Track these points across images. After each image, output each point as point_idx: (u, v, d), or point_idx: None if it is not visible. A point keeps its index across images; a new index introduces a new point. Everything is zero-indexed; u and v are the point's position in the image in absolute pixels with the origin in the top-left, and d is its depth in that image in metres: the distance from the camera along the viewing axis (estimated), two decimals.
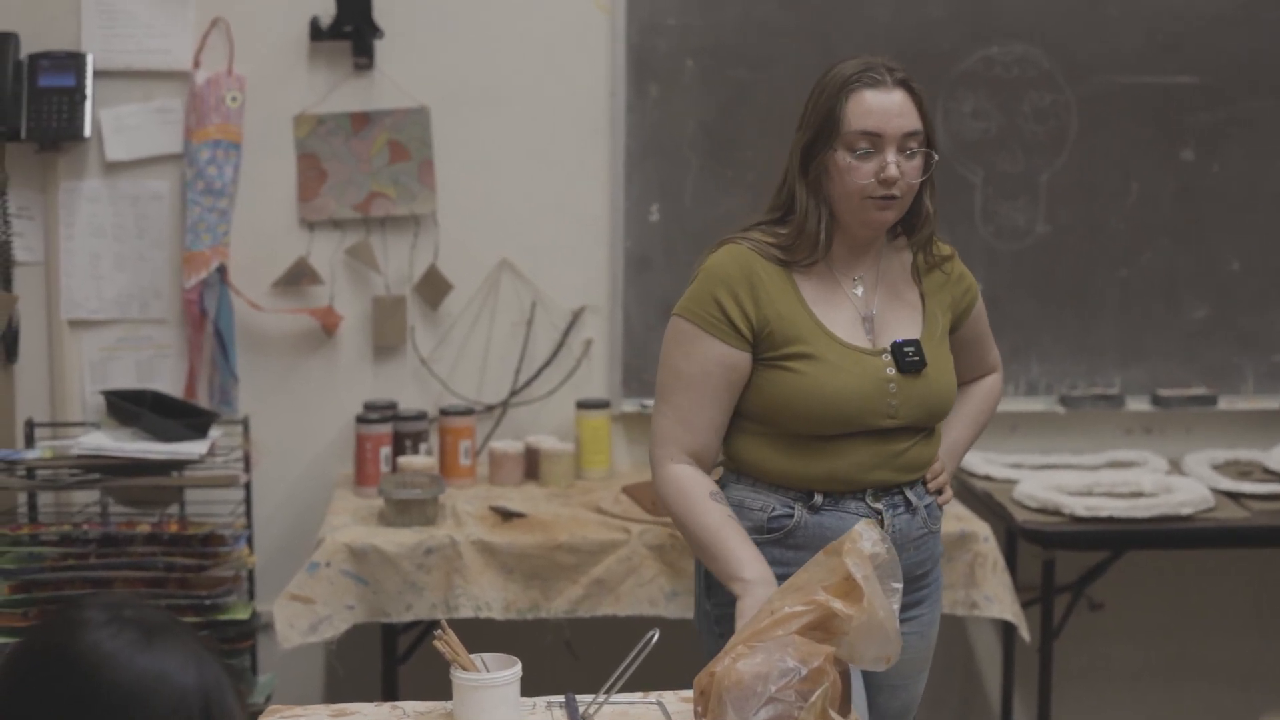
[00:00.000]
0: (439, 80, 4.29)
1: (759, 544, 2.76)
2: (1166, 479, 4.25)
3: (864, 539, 2.40)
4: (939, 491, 2.96)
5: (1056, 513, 4.04)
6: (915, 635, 2.90)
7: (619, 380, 4.38)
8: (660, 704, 2.58)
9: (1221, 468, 4.45)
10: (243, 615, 3.80)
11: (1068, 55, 4.46)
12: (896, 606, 2.40)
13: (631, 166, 4.34)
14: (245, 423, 4.19)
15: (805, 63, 4.37)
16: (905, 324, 2.88)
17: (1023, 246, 4.52)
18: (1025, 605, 4.04)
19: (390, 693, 3.87)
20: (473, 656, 2.48)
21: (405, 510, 3.80)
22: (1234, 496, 4.21)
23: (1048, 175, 4.50)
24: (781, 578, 2.65)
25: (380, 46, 4.25)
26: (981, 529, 3.91)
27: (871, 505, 2.83)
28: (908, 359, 2.82)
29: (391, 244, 4.32)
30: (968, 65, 4.44)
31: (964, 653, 4.66)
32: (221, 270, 4.22)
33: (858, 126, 2.75)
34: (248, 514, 4.17)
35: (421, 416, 4.20)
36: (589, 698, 2.56)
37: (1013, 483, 4.25)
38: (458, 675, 2.44)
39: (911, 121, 2.76)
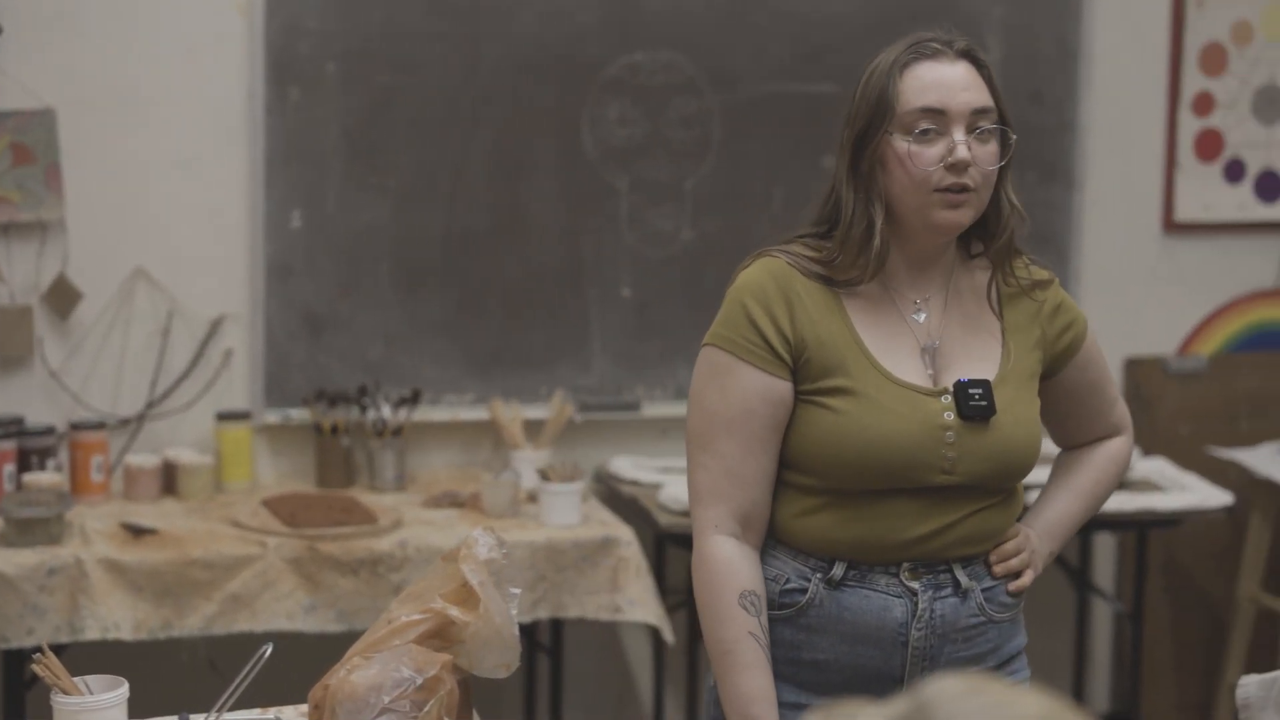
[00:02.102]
0: (67, 81, 4.13)
1: (770, 620, 2.37)
2: None
3: (480, 545, 2.37)
4: (1009, 575, 2.43)
5: None
6: None
7: (261, 390, 4.28)
8: (278, 719, 2.51)
9: None
10: None
11: (713, 63, 4.51)
12: (515, 612, 2.38)
13: (272, 172, 4.24)
14: None
15: (451, 68, 4.35)
16: (977, 360, 2.40)
17: (670, 253, 4.55)
18: (672, 609, 4.06)
19: None
20: (77, 679, 2.38)
21: (27, 530, 3.65)
22: None
23: (693, 182, 4.54)
24: (792, 663, 2.40)
25: (1, 44, 4.07)
26: (625, 533, 3.92)
27: (906, 583, 2.35)
28: (972, 403, 2.33)
29: (16, 251, 4.14)
30: (614, 71, 4.45)
31: (616, 656, 4.67)
32: None
33: (917, 104, 2.32)
34: None
35: (50, 431, 4.04)
36: (201, 716, 2.47)
37: (659, 486, 4.27)
38: (58, 700, 2.34)
39: (980, 96, 2.33)
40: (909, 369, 2.37)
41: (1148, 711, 4.77)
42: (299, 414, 4.27)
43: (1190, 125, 4.82)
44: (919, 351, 2.38)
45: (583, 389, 4.50)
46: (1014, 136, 2.37)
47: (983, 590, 2.40)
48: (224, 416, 4.20)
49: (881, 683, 2.37)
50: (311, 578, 3.72)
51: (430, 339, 4.38)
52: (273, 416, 4.29)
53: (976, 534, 2.38)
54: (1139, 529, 4.43)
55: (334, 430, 4.22)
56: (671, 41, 4.48)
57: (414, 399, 4.26)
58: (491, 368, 4.45)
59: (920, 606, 2.35)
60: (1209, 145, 4.83)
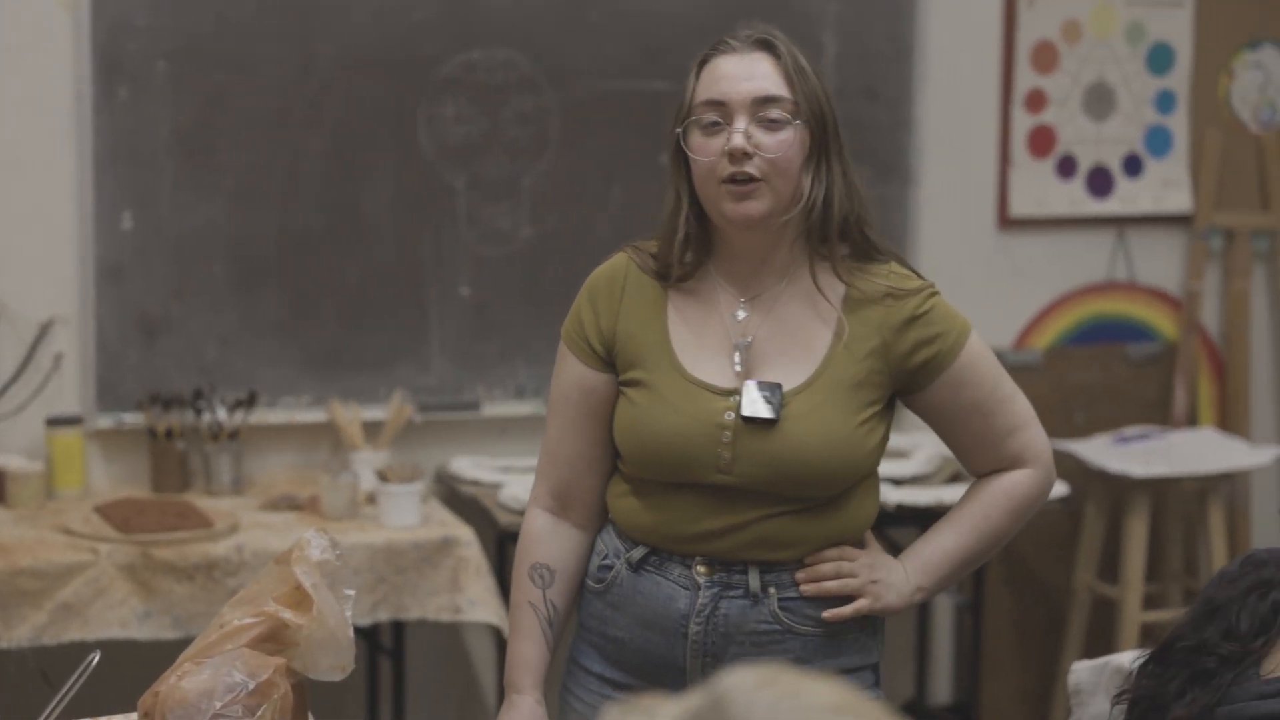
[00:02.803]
0: None
1: (589, 590, 2.47)
2: None
3: (312, 546, 2.34)
4: (827, 595, 2.40)
5: None
6: None
7: (93, 395, 4.19)
8: None
9: None
10: None
11: (551, 60, 4.50)
12: (349, 614, 2.35)
13: (101, 171, 4.16)
14: None
15: (286, 65, 4.30)
16: (792, 363, 2.38)
17: (509, 250, 4.53)
18: None
19: None
20: None
21: None
22: None
23: (531, 179, 4.53)
24: (601, 635, 2.48)
25: None
26: (465, 533, 3.91)
27: (695, 576, 2.39)
28: (752, 405, 2.34)
29: None
30: (450, 69, 4.42)
31: (459, 657, 4.64)
32: None
33: (703, 97, 2.36)
34: None
35: None
36: None
37: (500, 486, 4.25)
38: None
39: (768, 85, 2.35)
40: (711, 367, 2.38)
41: (988, 701, 4.83)
42: (132, 418, 4.19)
43: (1023, 122, 4.88)
44: (730, 349, 2.39)
45: (422, 389, 4.47)
46: (811, 127, 2.36)
47: (781, 599, 2.38)
48: (54, 422, 4.11)
49: (668, 670, 2.42)
50: (145, 584, 3.65)
51: (266, 340, 4.32)
52: (105, 421, 4.21)
53: (772, 539, 2.37)
54: None
55: (169, 434, 4.15)
56: (508, 39, 4.46)
57: (250, 401, 4.20)
58: (329, 369, 4.40)
59: (701, 601, 2.38)
60: (1041, 142, 4.90)
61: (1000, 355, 4.85)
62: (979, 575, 4.55)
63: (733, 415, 2.35)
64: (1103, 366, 5.01)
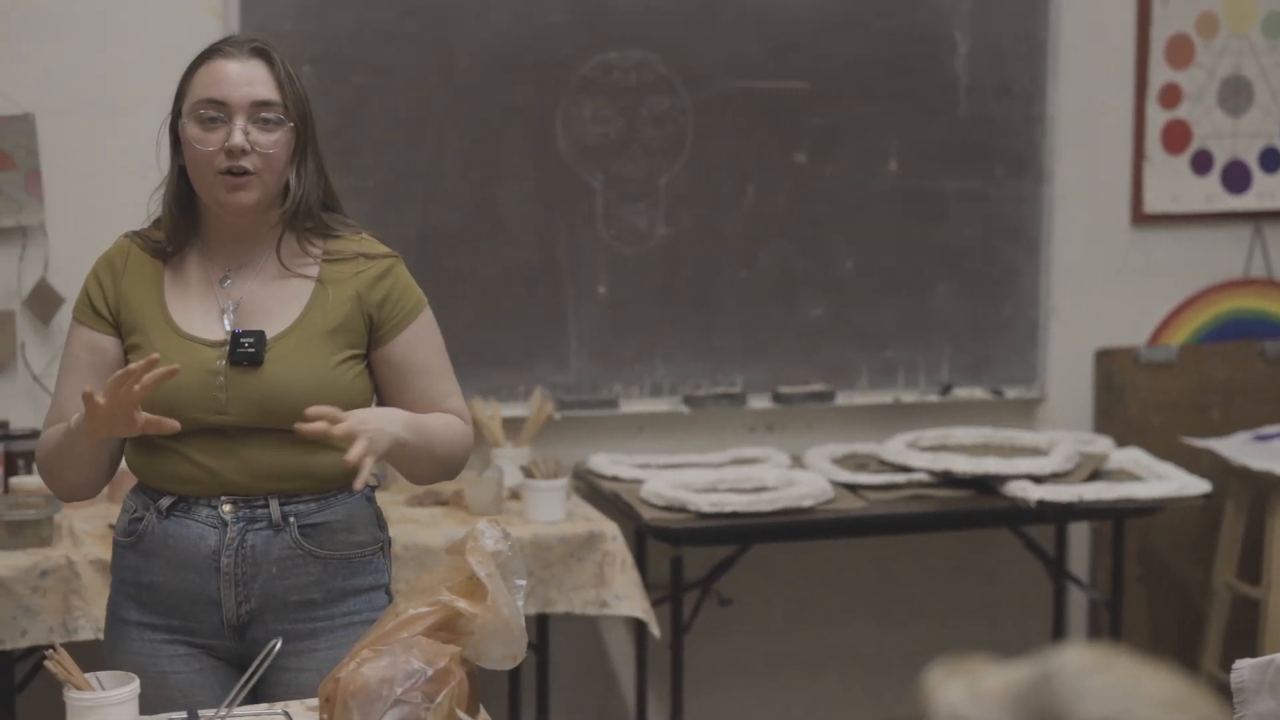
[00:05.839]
0: (45, 86, 4.14)
1: (120, 546, 2.70)
2: (789, 473, 4.35)
3: (486, 537, 2.39)
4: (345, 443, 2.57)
5: (683, 510, 4.10)
6: (312, 673, 2.60)
7: None
8: (286, 714, 2.52)
9: (841, 461, 4.58)
10: None
11: (684, 61, 4.54)
12: (521, 604, 2.40)
13: None
14: None
15: (425, 69, 4.37)
16: (275, 317, 2.69)
17: (644, 250, 4.58)
18: (656, 603, 4.09)
19: None
20: (88, 675, 2.39)
21: (18, 532, 3.65)
22: (852, 488, 4.34)
23: (667, 179, 4.57)
24: (135, 585, 2.69)
25: None
26: (610, 528, 3.95)
27: (222, 515, 2.64)
28: (239, 350, 2.63)
29: None
30: (586, 70, 4.48)
31: (598, 652, 4.69)
32: None
33: (204, 95, 2.64)
34: None
35: (35, 435, 4.03)
36: (210, 713, 2.49)
37: (640, 482, 4.30)
38: (71, 695, 2.35)
39: (265, 90, 2.65)
40: (201, 324, 2.67)
41: None
42: None
43: (1158, 117, 4.87)
44: (219, 312, 2.68)
45: (560, 386, 4.53)
46: (295, 125, 2.66)
47: (301, 526, 2.66)
48: None
49: (204, 605, 2.66)
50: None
51: None
52: None
53: (281, 473, 2.65)
54: (1116, 517, 4.48)
55: None
56: (643, 41, 4.51)
57: None
58: (469, 366, 4.44)
59: (230, 536, 2.64)
60: (1176, 137, 4.89)
61: (1135, 352, 4.89)
62: (1116, 571, 4.55)
63: (223, 362, 2.64)
64: (1239, 363, 4.98)
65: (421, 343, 2.77)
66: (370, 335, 2.74)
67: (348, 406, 2.63)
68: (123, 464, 2.74)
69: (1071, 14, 4.77)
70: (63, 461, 2.66)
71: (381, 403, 2.77)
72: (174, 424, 2.50)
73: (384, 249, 2.78)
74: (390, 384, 2.76)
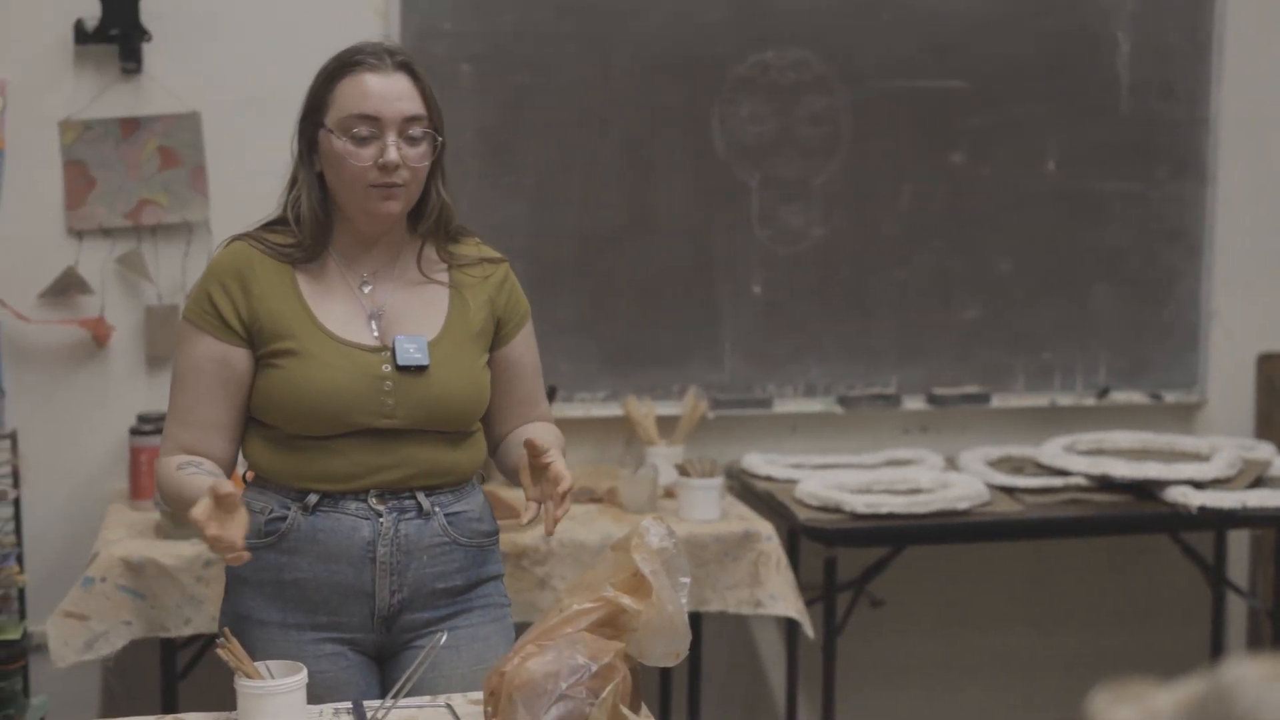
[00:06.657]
0: (210, 85, 4.21)
1: (255, 549, 2.63)
2: (943, 475, 4.32)
3: (651, 534, 2.40)
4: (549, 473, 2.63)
5: (837, 510, 4.08)
6: (450, 650, 2.65)
7: None
8: (449, 706, 2.54)
9: (996, 463, 4.54)
10: (13, 635, 3.68)
11: (841, 59, 4.53)
12: (685, 601, 2.40)
13: None
14: (13, 437, 4.06)
15: (583, 68, 4.39)
16: (420, 322, 2.74)
17: (800, 249, 4.57)
18: (808, 603, 4.07)
19: (170, 710, 3.78)
20: (257, 664, 2.42)
21: (183, 522, 3.70)
22: (1008, 491, 4.29)
23: (823, 178, 4.56)
24: (276, 584, 2.69)
25: (148, 50, 4.15)
26: (765, 528, 3.94)
27: (374, 507, 2.68)
28: (407, 356, 2.68)
29: (163, 252, 4.22)
30: (743, 70, 4.48)
31: (748, 652, 4.69)
32: None
33: (355, 110, 2.65)
34: (17, 531, 4.05)
35: None
36: (376, 704, 2.52)
37: (794, 482, 4.29)
38: (242, 683, 2.38)
39: (413, 106, 2.68)
40: (354, 331, 2.69)
41: None
42: None
43: None
44: (365, 316, 2.72)
45: (714, 385, 4.53)
46: (441, 139, 2.71)
47: (446, 514, 2.73)
48: None
49: (356, 597, 2.69)
50: None
51: (564, 336, 4.42)
52: None
53: (433, 469, 2.71)
54: (1279, 525, 4.39)
55: None
56: (801, 39, 4.50)
57: (549, 396, 4.29)
58: (624, 365, 4.48)
59: (384, 526, 2.68)
60: None
61: None
62: (1277, 579, 4.46)
63: (389, 367, 2.67)
64: None
65: (532, 343, 2.88)
66: (495, 336, 2.82)
67: (486, 407, 2.79)
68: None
69: (1238, 11, 4.69)
70: (180, 508, 2.66)
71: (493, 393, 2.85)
72: (246, 556, 2.44)
73: (497, 253, 2.86)
74: (503, 383, 2.84)
